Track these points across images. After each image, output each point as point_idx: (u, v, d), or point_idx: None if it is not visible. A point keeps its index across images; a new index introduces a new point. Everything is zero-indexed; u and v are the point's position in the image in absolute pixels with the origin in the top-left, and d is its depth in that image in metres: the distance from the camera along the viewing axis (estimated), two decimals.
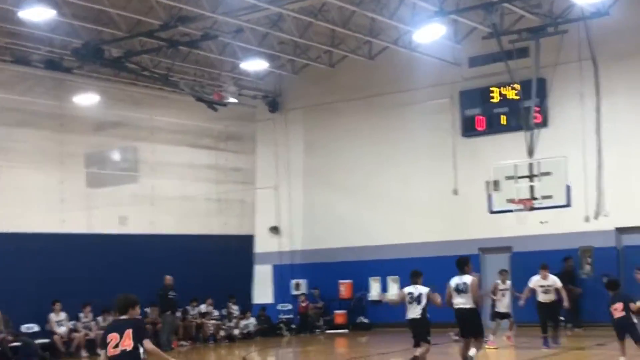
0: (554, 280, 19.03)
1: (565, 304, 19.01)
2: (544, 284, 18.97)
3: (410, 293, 14.71)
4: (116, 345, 9.13)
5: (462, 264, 14.99)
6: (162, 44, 22.83)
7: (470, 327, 14.95)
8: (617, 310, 14.09)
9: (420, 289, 14.71)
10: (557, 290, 18.89)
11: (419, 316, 14.65)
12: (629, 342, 14.15)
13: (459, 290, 14.78)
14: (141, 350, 9.15)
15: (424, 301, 14.62)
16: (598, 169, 23.88)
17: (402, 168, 27.06)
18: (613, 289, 14.48)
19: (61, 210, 22.90)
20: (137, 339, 9.13)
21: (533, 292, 19.14)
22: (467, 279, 14.83)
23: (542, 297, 19.05)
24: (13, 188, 21.99)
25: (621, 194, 23.61)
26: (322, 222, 28.47)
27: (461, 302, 14.80)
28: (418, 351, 14.66)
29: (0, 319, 20.58)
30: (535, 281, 19.19)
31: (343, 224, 27.87)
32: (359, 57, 26.44)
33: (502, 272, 20.58)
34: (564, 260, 23.32)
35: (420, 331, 14.75)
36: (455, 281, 14.89)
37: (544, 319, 19.02)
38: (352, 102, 27.96)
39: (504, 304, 20.09)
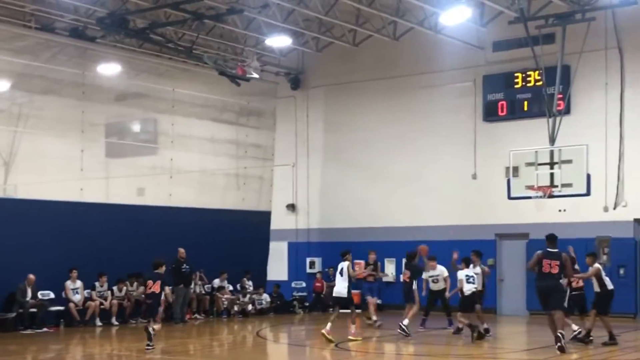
0: (441, 270, 20.42)
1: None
2: (433, 274, 20.37)
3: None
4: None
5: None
6: (187, 17, 22.79)
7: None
8: None
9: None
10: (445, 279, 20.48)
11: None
12: None
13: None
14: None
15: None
16: (619, 159, 23.71)
17: (421, 150, 26.97)
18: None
19: (80, 179, 22.84)
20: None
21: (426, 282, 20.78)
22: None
23: (432, 286, 20.56)
24: (33, 155, 22.04)
25: None
26: (339, 202, 28.46)
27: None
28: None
29: (32, 282, 20.82)
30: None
31: (360, 204, 27.85)
32: (384, 37, 26.28)
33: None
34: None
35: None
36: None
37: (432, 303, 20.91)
38: (374, 82, 27.83)
39: None
